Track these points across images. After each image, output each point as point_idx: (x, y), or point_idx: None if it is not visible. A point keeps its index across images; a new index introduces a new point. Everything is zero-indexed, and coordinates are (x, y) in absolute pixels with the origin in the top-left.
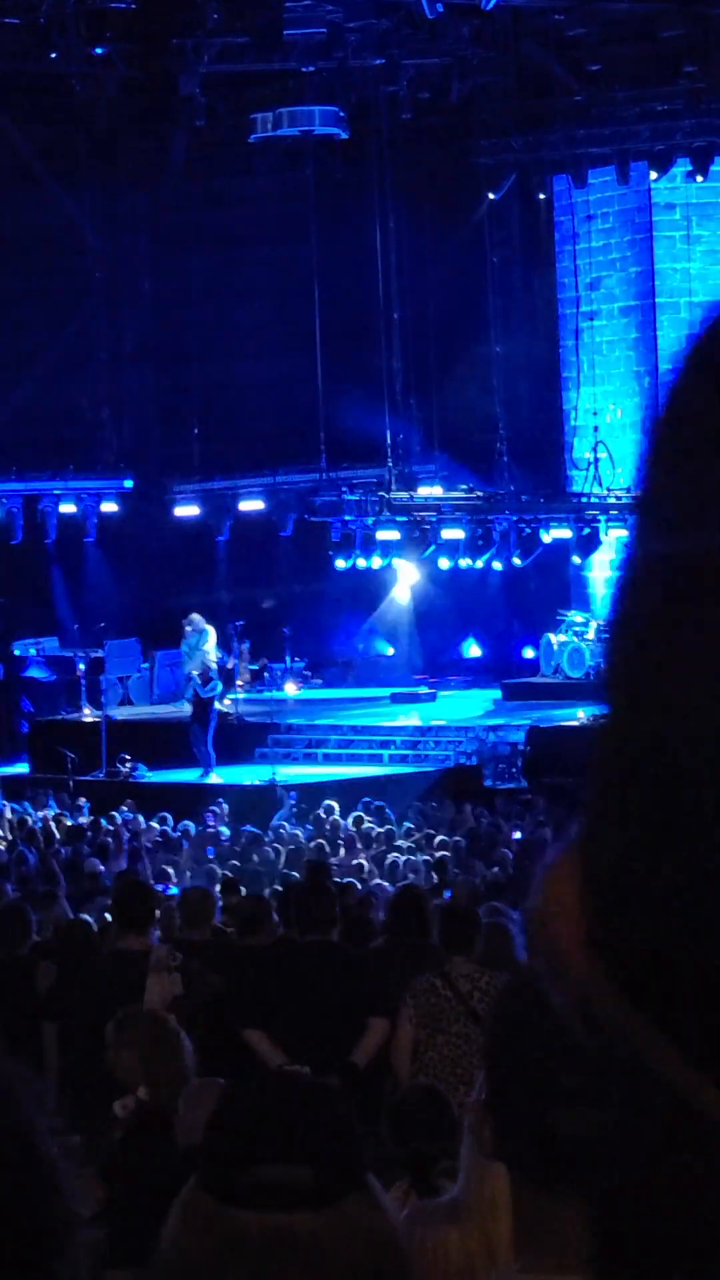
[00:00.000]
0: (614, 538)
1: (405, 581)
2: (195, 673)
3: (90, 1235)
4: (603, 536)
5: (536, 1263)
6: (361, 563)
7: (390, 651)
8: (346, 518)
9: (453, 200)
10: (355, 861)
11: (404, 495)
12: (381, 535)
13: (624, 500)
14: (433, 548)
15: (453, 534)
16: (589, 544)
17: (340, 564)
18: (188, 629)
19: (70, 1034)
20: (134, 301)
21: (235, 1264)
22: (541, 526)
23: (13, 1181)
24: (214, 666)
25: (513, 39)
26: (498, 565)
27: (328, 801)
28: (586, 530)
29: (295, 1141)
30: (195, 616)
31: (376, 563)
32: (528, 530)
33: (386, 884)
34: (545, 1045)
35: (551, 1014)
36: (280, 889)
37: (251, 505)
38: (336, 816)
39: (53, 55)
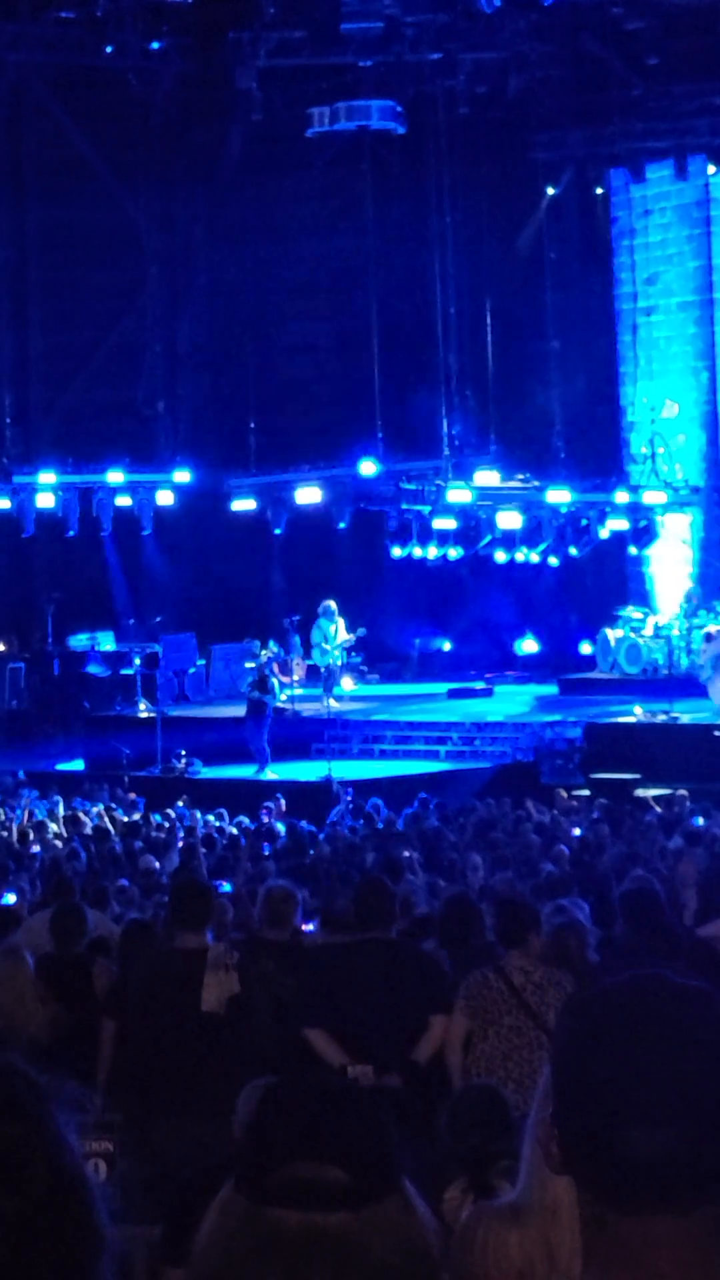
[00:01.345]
0: (670, 529)
1: None
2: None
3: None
4: (659, 530)
5: (605, 1274)
6: (418, 552)
7: (447, 647)
8: (403, 506)
9: (510, 195)
10: (414, 858)
11: (461, 484)
12: (438, 524)
13: (682, 492)
14: (489, 537)
15: (509, 522)
16: (645, 536)
17: (396, 552)
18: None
19: (128, 1032)
20: (190, 295)
21: (270, 1262)
22: (598, 519)
23: (42, 1198)
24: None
25: (571, 33)
26: (554, 560)
27: (375, 799)
28: (643, 522)
29: (330, 1143)
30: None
31: (433, 552)
32: (584, 522)
33: (441, 881)
34: (616, 1061)
35: (621, 1030)
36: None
37: (308, 498)
38: (373, 812)
39: (109, 50)
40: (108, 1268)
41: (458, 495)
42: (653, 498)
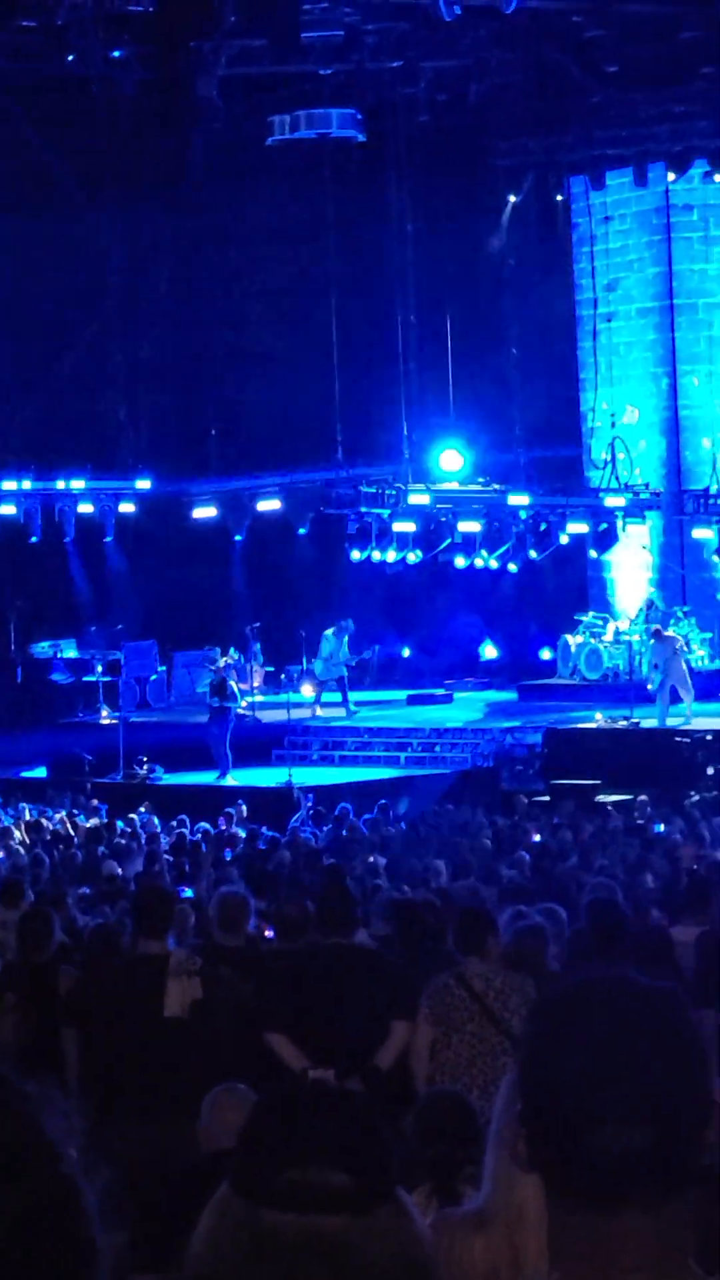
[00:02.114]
0: (630, 535)
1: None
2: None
3: (112, 1239)
4: (619, 534)
5: (571, 1274)
6: (377, 555)
7: (406, 653)
8: (362, 509)
9: (470, 202)
10: (374, 864)
11: (420, 487)
12: (398, 527)
13: (643, 496)
14: (449, 540)
15: (469, 526)
16: (606, 540)
17: (356, 555)
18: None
19: (90, 1038)
20: (152, 303)
21: (266, 1263)
22: (559, 523)
23: (38, 1207)
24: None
25: (531, 41)
26: (513, 567)
27: (343, 804)
28: (604, 526)
29: (331, 1147)
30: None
31: (392, 555)
32: (544, 525)
33: (406, 888)
34: (583, 1061)
35: (587, 1031)
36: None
37: (268, 505)
38: (343, 817)
39: (70, 58)
40: (103, 1274)
41: (418, 499)
42: (613, 501)
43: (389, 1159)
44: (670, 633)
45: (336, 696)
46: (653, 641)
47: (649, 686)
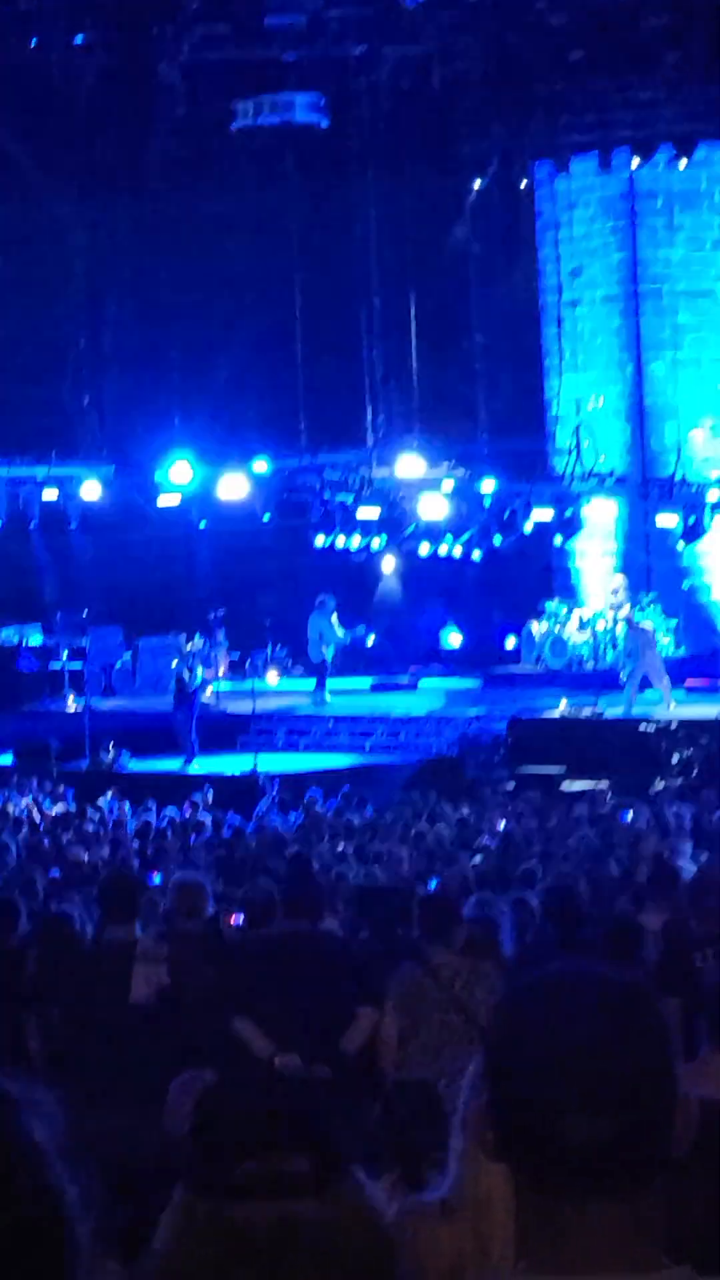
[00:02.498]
0: (595, 522)
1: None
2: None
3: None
4: (584, 521)
5: (538, 1263)
6: (341, 541)
7: (371, 640)
8: (325, 495)
9: (434, 188)
10: (339, 851)
11: (385, 472)
12: (362, 513)
13: (608, 482)
14: (413, 525)
15: (432, 510)
16: (570, 527)
17: (320, 541)
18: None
19: (53, 1024)
20: (114, 291)
21: (246, 1259)
22: (521, 508)
23: (22, 1215)
24: (196, 657)
25: (494, 26)
26: (477, 554)
27: (313, 789)
28: (569, 512)
29: (285, 1133)
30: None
31: (356, 541)
32: (509, 512)
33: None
34: (550, 1050)
35: (553, 1021)
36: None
37: (232, 492)
38: (311, 805)
39: (32, 43)
40: (84, 1264)
41: (381, 478)
42: (578, 487)
43: (340, 1135)
44: (646, 623)
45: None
46: (624, 629)
47: (621, 676)
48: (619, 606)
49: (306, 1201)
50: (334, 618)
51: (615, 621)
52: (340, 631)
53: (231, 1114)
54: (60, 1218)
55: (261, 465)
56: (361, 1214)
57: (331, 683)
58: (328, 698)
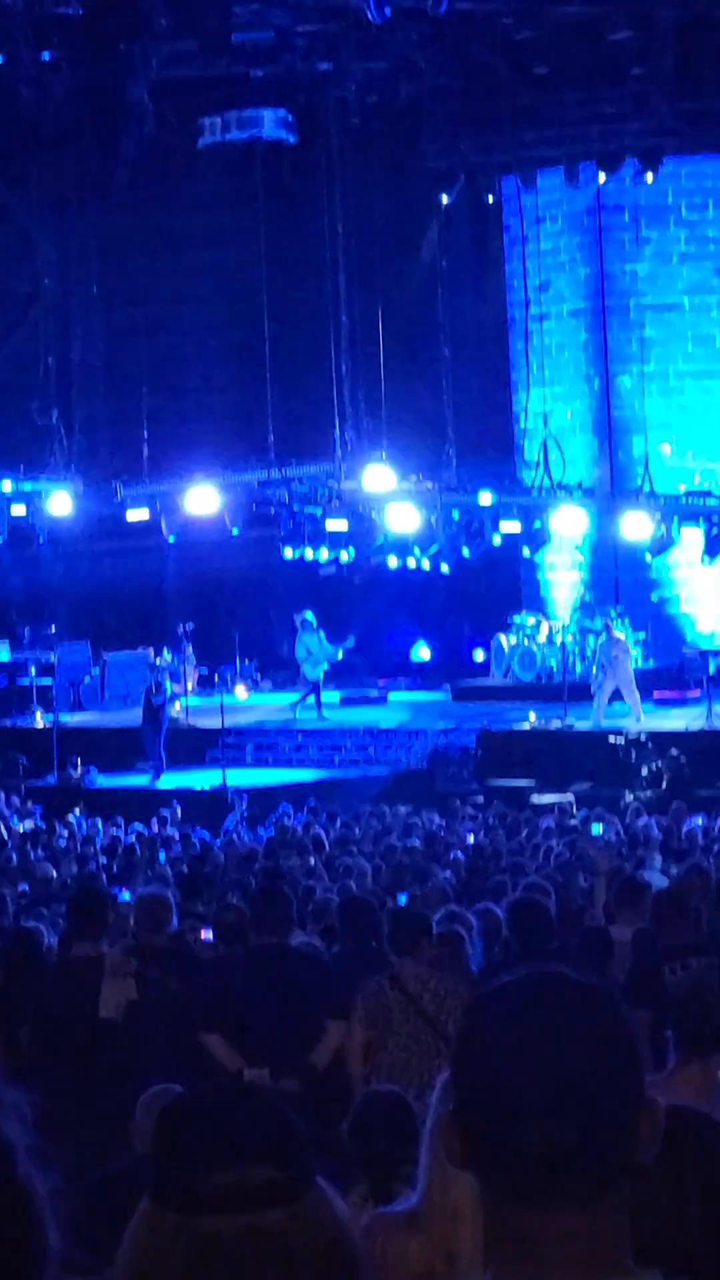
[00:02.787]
0: (563, 535)
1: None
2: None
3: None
4: (551, 533)
5: (506, 1271)
6: (310, 553)
7: (339, 654)
8: (294, 508)
9: (401, 204)
10: (308, 865)
11: (353, 485)
12: (330, 525)
13: (575, 494)
14: (382, 538)
15: (401, 522)
16: (538, 539)
17: (289, 553)
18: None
19: (20, 1040)
20: (82, 306)
21: (208, 1272)
22: (490, 521)
23: None
24: (166, 672)
25: (460, 42)
26: (445, 567)
27: (283, 803)
28: (537, 524)
29: (250, 1143)
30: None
31: (325, 553)
32: (477, 524)
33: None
34: (514, 1056)
35: (519, 1026)
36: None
37: (201, 507)
38: (284, 819)
39: (0, 60)
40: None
41: (350, 490)
42: (545, 500)
43: (305, 1144)
44: (619, 634)
45: (312, 697)
46: (602, 638)
47: (592, 686)
48: (581, 620)
49: (273, 1213)
50: (320, 634)
51: (584, 633)
52: (329, 647)
53: (195, 1125)
54: (30, 1214)
55: (250, 477)
56: (328, 1225)
57: (298, 696)
58: (324, 714)
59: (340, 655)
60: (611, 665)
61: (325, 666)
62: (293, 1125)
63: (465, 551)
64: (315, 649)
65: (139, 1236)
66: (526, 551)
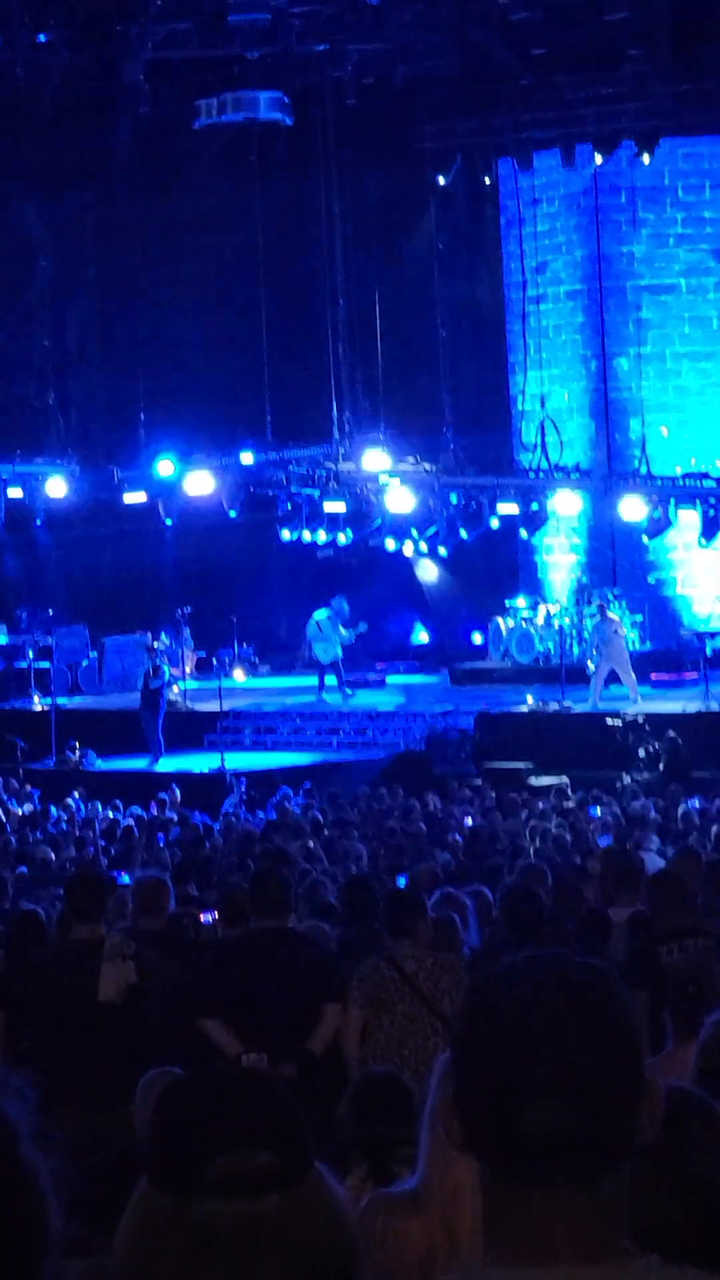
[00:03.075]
0: (560, 517)
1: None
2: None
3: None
4: (550, 515)
5: (506, 1253)
6: (308, 535)
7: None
8: (292, 489)
9: (398, 185)
10: (306, 848)
11: (350, 466)
12: (328, 507)
13: (573, 476)
14: (379, 520)
15: (399, 504)
16: (536, 521)
17: (286, 535)
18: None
19: (21, 1023)
20: (79, 288)
21: (211, 1257)
22: (488, 503)
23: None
24: (163, 654)
25: (457, 23)
26: (443, 550)
27: (282, 786)
28: (535, 505)
29: (249, 1128)
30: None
31: (323, 536)
32: (474, 504)
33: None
34: (514, 1038)
35: (519, 1008)
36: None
37: (199, 489)
38: (284, 802)
39: None
40: (54, 1261)
41: (348, 471)
42: (543, 482)
43: (303, 1129)
44: (612, 614)
45: (329, 679)
46: (595, 620)
47: (589, 667)
48: (579, 603)
49: (269, 1198)
50: (341, 621)
51: (582, 616)
52: (344, 632)
53: (194, 1109)
54: (34, 1194)
55: (248, 457)
56: (325, 1211)
57: (300, 680)
58: (349, 692)
59: (352, 639)
60: (606, 647)
61: (339, 651)
62: (291, 1110)
63: (463, 533)
64: (333, 634)
65: (136, 1219)
66: (524, 534)
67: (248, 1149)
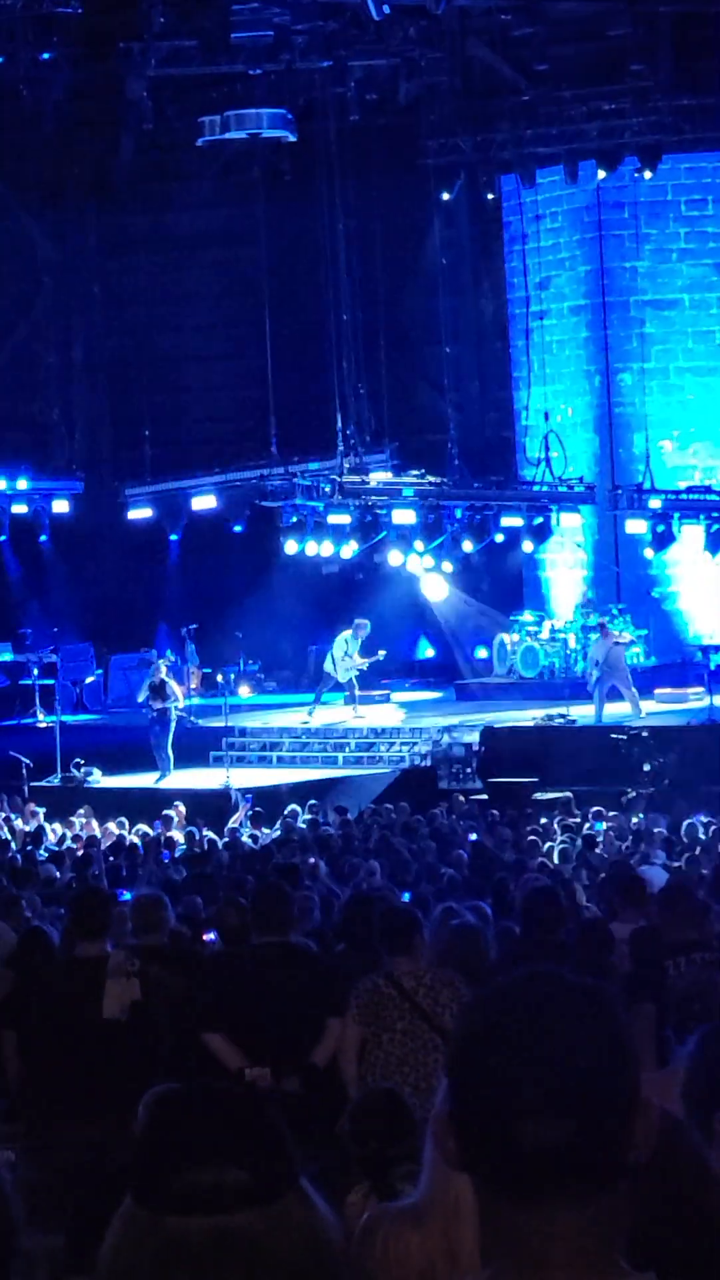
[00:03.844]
0: (564, 532)
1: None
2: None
3: (49, 1241)
4: (554, 526)
5: (503, 1270)
6: (312, 548)
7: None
8: (297, 501)
9: (401, 201)
10: (310, 865)
11: (356, 480)
12: (333, 519)
13: (577, 488)
14: (384, 533)
15: (404, 517)
16: (541, 533)
17: (291, 547)
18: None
19: (29, 1041)
20: (83, 305)
21: (177, 1271)
22: (492, 516)
23: None
24: (167, 672)
25: (459, 39)
26: (449, 566)
27: (292, 806)
28: (538, 519)
29: (226, 1145)
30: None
31: (328, 548)
32: (479, 518)
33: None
34: (510, 1055)
35: (515, 1026)
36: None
37: (204, 504)
38: (292, 820)
39: (0, 60)
40: (19, 1269)
41: (353, 484)
42: (547, 493)
43: (285, 1148)
44: (617, 633)
45: (341, 697)
46: (595, 637)
47: (589, 684)
48: (584, 618)
49: (243, 1215)
50: (360, 642)
51: (587, 631)
52: (361, 660)
53: (171, 1123)
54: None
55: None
56: (304, 1230)
57: (308, 697)
58: (357, 711)
59: (366, 668)
60: (607, 663)
61: (356, 673)
62: (271, 1128)
63: (467, 546)
64: (351, 653)
65: (116, 1232)
66: (529, 546)
67: (218, 1165)
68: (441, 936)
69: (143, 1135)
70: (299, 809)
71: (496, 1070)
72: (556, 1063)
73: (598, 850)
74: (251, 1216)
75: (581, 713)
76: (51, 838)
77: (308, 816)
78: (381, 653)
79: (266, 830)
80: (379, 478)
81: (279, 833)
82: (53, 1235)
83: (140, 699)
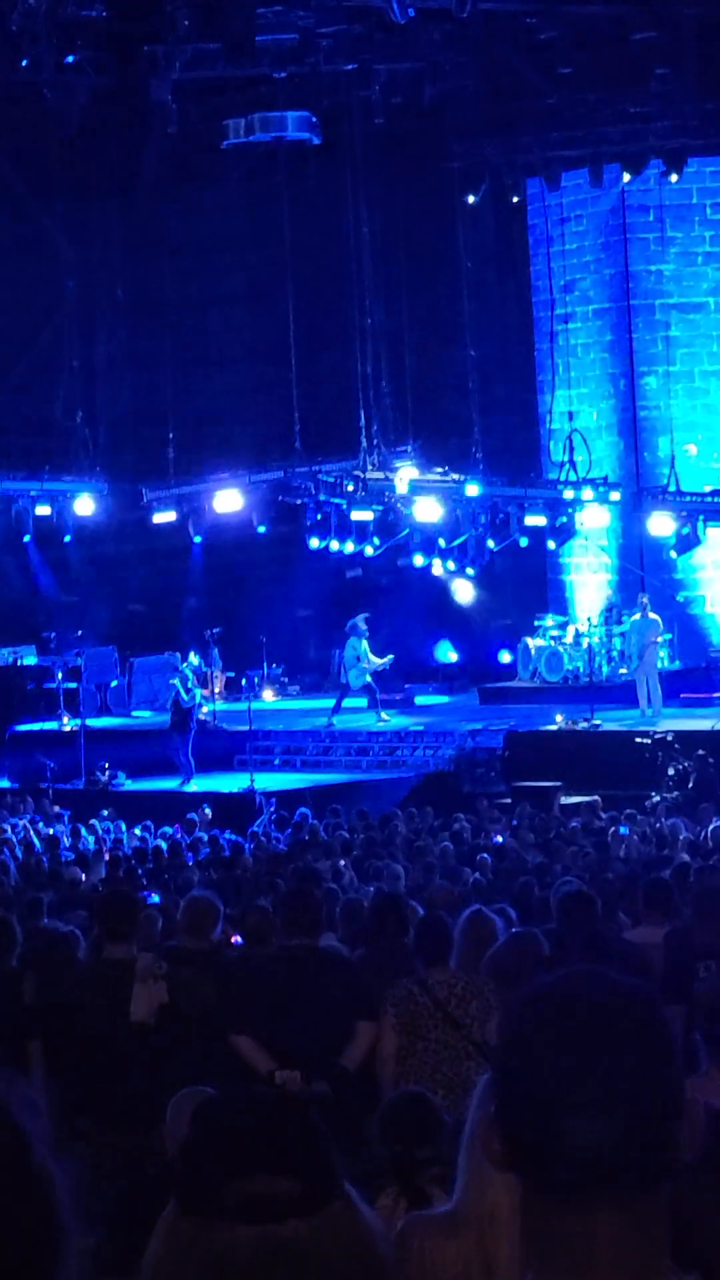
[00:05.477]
0: (588, 535)
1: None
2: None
3: (81, 1243)
4: (577, 528)
5: (545, 1271)
6: (335, 545)
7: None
8: (320, 497)
9: (426, 204)
10: (335, 867)
11: (379, 475)
12: (356, 516)
13: (601, 489)
14: (406, 531)
15: (427, 513)
16: (564, 533)
17: (314, 544)
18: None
19: (57, 1045)
20: (107, 308)
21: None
22: (516, 514)
23: (11, 1194)
24: (190, 676)
25: (484, 42)
26: (471, 570)
27: (302, 809)
28: (562, 519)
29: (273, 1154)
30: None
31: (350, 546)
32: (502, 516)
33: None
34: (556, 1055)
35: (563, 1024)
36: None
37: (227, 504)
38: (303, 821)
39: (23, 63)
40: (71, 1268)
41: (376, 480)
42: (571, 493)
43: (332, 1156)
44: (654, 615)
45: (362, 701)
46: (638, 616)
47: (624, 670)
48: (608, 622)
49: (293, 1223)
50: (365, 643)
51: (611, 635)
52: (375, 659)
53: (220, 1132)
54: (48, 1200)
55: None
56: (351, 1239)
57: (330, 701)
58: (384, 715)
59: (385, 668)
60: (646, 651)
61: (369, 676)
62: (319, 1137)
63: (491, 544)
64: (364, 655)
65: (161, 1239)
66: (552, 544)
67: (269, 1174)
68: (470, 940)
69: (189, 1144)
70: (308, 811)
71: (544, 1068)
72: (604, 1061)
73: (621, 855)
74: (300, 1225)
75: (608, 715)
76: (76, 841)
77: (328, 820)
78: (389, 657)
79: (289, 833)
80: (403, 473)
81: (304, 836)
82: (84, 1237)
83: (190, 705)
